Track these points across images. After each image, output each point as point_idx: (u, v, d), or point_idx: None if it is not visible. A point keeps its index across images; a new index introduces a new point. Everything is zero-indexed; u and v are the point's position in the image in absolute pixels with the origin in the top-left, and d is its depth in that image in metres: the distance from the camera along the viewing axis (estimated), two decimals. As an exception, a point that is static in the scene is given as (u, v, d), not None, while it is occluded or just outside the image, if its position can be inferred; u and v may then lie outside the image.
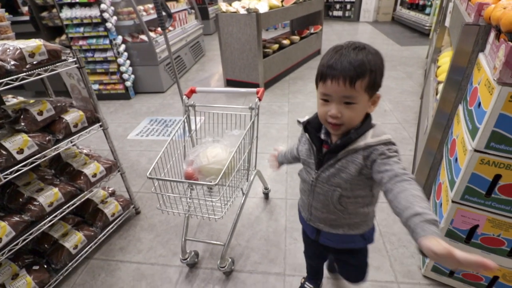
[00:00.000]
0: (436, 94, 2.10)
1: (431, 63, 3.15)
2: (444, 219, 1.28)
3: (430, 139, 1.64)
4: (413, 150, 2.50)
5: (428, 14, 6.62)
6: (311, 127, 0.96)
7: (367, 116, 0.88)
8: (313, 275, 1.47)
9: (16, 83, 1.22)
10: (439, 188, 1.48)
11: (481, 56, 1.25)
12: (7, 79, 1.19)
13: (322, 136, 0.94)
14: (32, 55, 1.27)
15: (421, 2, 7.29)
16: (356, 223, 0.99)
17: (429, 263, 1.44)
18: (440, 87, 2.05)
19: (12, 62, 1.20)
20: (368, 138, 0.84)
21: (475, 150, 1.08)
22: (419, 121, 2.90)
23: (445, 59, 2.60)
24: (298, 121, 1.02)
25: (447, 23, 2.25)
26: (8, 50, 1.24)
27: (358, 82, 0.77)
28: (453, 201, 1.22)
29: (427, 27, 6.47)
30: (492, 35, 1.15)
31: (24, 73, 1.25)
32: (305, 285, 1.47)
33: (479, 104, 1.10)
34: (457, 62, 1.38)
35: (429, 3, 6.78)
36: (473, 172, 1.12)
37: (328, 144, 0.93)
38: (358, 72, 0.77)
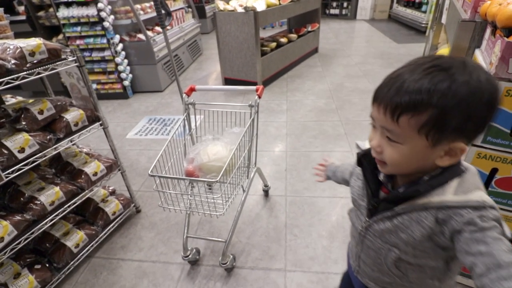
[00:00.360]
0: (433, 90, 2.12)
1: (428, 60, 3.17)
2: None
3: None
4: (411, 147, 2.52)
5: (425, 12, 6.66)
6: (368, 161, 0.69)
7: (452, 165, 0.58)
8: None
9: (17, 82, 1.23)
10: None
11: (477, 52, 1.26)
12: (7, 78, 1.19)
13: (381, 177, 0.69)
14: (32, 54, 1.27)
15: (417, 0, 7.32)
16: None
17: None
18: (437, 83, 2.07)
19: (13, 61, 1.20)
20: (448, 194, 0.56)
21: (472, 145, 1.10)
22: (416, 118, 2.92)
23: (442, 56, 2.62)
24: (357, 145, 0.73)
25: (443, 20, 2.27)
26: (8, 49, 1.24)
27: (403, 117, 0.52)
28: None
29: (423, 25, 6.50)
30: (488, 31, 1.17)
31: (25, 72, 1.25)
32: None
33: (476, 99, 1.12)
34: (454, 58, 1.39)
35: (425, 0, 6.81)
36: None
37: (388, 188, 0.68)
38: (404, 103, 0.52)
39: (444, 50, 2.78)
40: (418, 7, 7.23)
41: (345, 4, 9.35)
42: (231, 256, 1.60)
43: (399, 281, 0.69)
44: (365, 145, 0.70)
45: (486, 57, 1.13)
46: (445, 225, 0.56)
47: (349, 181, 0.86)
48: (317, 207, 1.98)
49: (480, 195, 0.55)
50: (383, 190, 0.69)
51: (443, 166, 0.57)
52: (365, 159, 0.70)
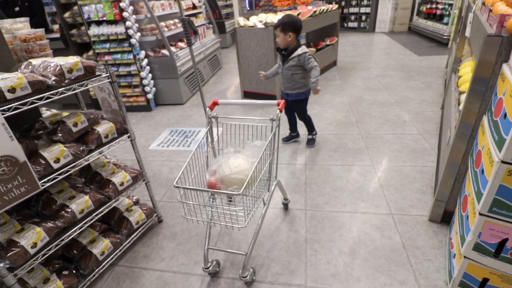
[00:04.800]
0: (458, 104, 2.07)
1: (452, 73, 3.11)
2: (471, 232, 1.25)
3: (454, 150, 1.62)
4: (435, 162, 2.46)
5: (446, 24, 6.56)
6: (277, 49, 2.62)
7: None
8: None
9: (56, 97, 1.32)
10: (465, 200, 1.45)
11: (505, 67, 1.24)
12: (48, 93, 1.29)
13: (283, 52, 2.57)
14: (70, 71, 1.37)
15: (438, 12, 7.23)
16: None
17: (456, 277, 1.40)
18: (462, 97, 2.02)
19: (53, 78, 1.30)
20: (298, 51, 2.47)
21: (503, 162, 1.07)
22: (440, 132, 2.84)
23: (466, 69, 2.57)
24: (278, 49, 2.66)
25: (467, 33, 2.24)
26: (49, 67, 1.34)
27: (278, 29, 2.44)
28: (480, 214, 1.19)
29: (445, 37, 6.39)
30: (517, 46, 1.15)
31: (63, 88, 1.34)
32: None
33: (505, 115, 1.09)
34: (480, 72, 1.37)
35: (447, 12, 6.71)
36: (501, 183, 1.10)
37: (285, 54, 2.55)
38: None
39: (468, 63, 2.73)
40: (439, 19, 7.13)
41: (363, 17, 9.37)
42: (251, 270, 1.60)
43: (293, 83, 2.58)
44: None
45: (515, 72, 1.11)
46: (301, 60, 2.46)
47: (278, 68, 2.68)
48: (338, 222, 1.95)
49: (303, 51, 2.45)
50: (283, 56, 2.54)
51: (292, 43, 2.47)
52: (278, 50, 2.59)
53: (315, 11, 4.46)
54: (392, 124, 3.20)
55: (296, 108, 2.76)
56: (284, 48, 2.50)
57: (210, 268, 1.61)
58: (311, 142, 2.91)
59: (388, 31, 8.98)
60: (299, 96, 2.64)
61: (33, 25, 1.99)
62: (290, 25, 2.37)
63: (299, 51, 2.43)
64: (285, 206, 2.11)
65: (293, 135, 2.93)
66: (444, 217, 1.85)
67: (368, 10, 9.13)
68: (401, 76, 4.74)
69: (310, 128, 2.89)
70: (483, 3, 1.96)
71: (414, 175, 2.33)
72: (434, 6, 7.44)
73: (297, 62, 2.46)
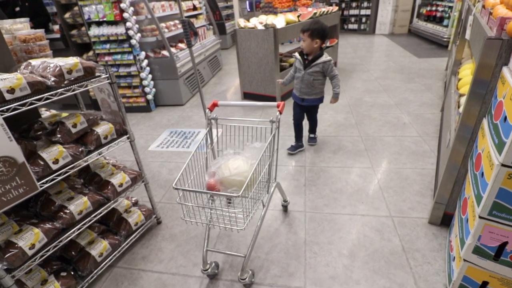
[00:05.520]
0: (458, 107, 2.07)
1: (451, 76, 3.11)
2: (471, 235, 1.25)
3: (453, 153, 1.62)
4: (435, 164, 2.45)
5: (446, 26, 6.57)
6: (300, 53, 2.60)
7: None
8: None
9: (55, 98, 1.32)
10: (465, 203, 1.45)
11: (505, 70, 1.24)
12: (47, 94, 1.28)
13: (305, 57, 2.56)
14: (70, 72, 1.37)
15: (438, 14, 7.25)
16: None
17: (455, 281, 1.39)
18: (462, 100, 2.02)
19: (52, 79, 1.30)
20: (322, 58, 2.47)
21: (503, 165, 1.06)
22: (440, 134, 2.84)
23: (466, 72, 2.57)
24: (295, 56, 2.68)
25: (467, 36, 2.24)
26: (48, 68, 1.34)
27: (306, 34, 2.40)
28: (480, 217, 1.19)
29: (445, 39, 6.41)
30: (517, 49, 1.15)
31: (62, 89, 1.34)
32: None
33: (505, 118, 1.09)
34: (480, 75, 1.37)
35: (447, 15, 6.73)
36: (501, 187, 1.10)
37: (308, 60, 2.53)
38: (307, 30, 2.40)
39: (468, 65, 2.73)
40: (439, 21, 7.15)
41: (363, 19, 9.39)
42: (250, 272, 1.59)
43: (312, 88, 2.57)
44: (297, 54, 2.59)
45: (515, 75, 1.11)
46: (325, 67, 2.48)
47: (294, 74, 2.67)
48: (337, 224, 1.95)
49: (329, 58, 2.46)
50: (307, 61, 2.52)
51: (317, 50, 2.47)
52: (300, 54, 2.56)
53: (315, 13, 4.47)
54: (392, 126, 3.20)
55: (310, 111, 2.81)
56: (307, 53, 2.49)
57: (209, 270, 1.60)
58: (314, 140, 2.97)
59: (388, 33, 9.00)
60: (316, 101, 2.67)
61: (36, 25, 2.00)
62: (319, 32, 2.35)
63: (324, 58, 2.44)
64: (285, 208, 2.11)
65: (299, 144, 2.87)
66: (443, 219, 1.84)
67: (368, 12, 9.15)
68: (401, 78, 4.75)
69: (315, 128, 2.97)
70: (483, 6, 1.96)
71: (414, 178, 2.33)
72: (434, 8, 7.46)
73: (321, 68, 2.46)
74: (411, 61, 5.72)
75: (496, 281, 1.27)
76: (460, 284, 1.38)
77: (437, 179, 2.16)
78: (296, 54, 2.61)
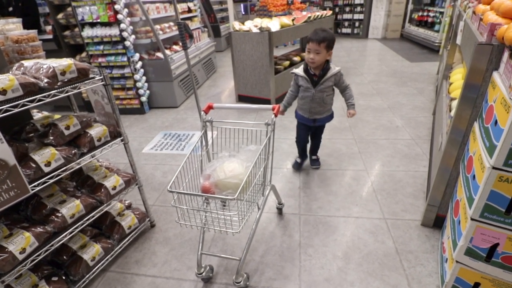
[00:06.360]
0: (450, 110, 2.11)
1: (443, 80, 3.17)
2: (463, 237, 1.26)
3: (445, 156, 1.64)
4: (427, 167, 2.49)
5: (438, 31, 6.70)
6: (305, 70, 2.21)
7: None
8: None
9: (48, 100, 1.30)
10: (457, 205, 1.47)
11: (495, 75, 1.27)
12: (40, 95, 1.27)
13: (312, 72, 2.17)
14: (63, 73, 1.35)
15: (429, 20, 7.38)
16: None
17: (448, 282, 1.41)
18: (453, 103, 2.06)
19: (45, 80, 1.28)
20: (333, 70, 2.14)
21: (493, 168, 1.08)
22: (432, 138, 2.89)
23: (457, 76, 2.62)
24: (295, 72, 2.29)
25: (458, 41, 2.28)
26: (41, 69, 1.32)
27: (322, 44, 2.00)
28: (472, 219, 1.21)
29: (436, 44, 6.53)
30: (506, 54, 1.17)
31: (55, 90, 1.32)
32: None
33: (496, 122, 1.11)
34: (471, 80, 1.40)
35: (438, 20, 6.86)
36: (492, 189, 1.12)
37: (317, 75, 2.16)
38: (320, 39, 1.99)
39: (459, 70, 2.78)
40: (430, 26, 7.28)
41: (357, 24, 9.50)
42: (245, 275, 1.59)
43: (324, 106, 2.24)
44: (298, 71, 2.21)
45: (505, 80, 1.14)
46: (337, 79, 2.17)
47: (296, 92, 2.31)
48: (332, 227, 1.96)
49: (338, 68, 2.16)
50: (315, 77, 2.14)
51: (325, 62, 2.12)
52: (305, 72, 2.16)
53: (309, 17, 4.51)
54: (385, 129, 3.24)
55: (320, 129, 2.49)
56: (315, 68, 2.13)
57: (204, 273, 1.59)
58: (317, 163, 2.65)
59: (381, 38, 9.13)
60: (328, 119, 2.35)
61: (25, 24, 1.96)
62: (333, 41, 2.05)
63: (333, 69, 2.14)
64: (279, 211, 2.11)
65: (304, 160, 2.65)
66: (436, 221, 1.87)
67: (361, 16, 9.27)
68: (393, 82, 4.81)
69: (318, 149, 2.67)
70: (474, 12, 2.01)
71: (407, 180, 2.36)
72: (425, 13, 7.59)
73: (334, 81, 2.16)
74: (404, 65, 5.81)
75: (488, 282, 1.29)
76: (453, 285, 1.40)
77: (429, 182, 2.19)
78: (298, 71, 2.19)
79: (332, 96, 2.25)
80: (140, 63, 3.92)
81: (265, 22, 3.89)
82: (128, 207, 2.04)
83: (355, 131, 3.23)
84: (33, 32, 1.78)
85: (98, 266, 1.69)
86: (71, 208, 1.51)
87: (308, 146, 2.65)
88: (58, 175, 1.40)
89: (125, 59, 3.79)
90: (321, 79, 2.12)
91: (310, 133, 2.51)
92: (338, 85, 2.20)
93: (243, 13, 9.88)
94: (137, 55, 3.86)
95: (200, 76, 5.26)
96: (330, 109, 2.32)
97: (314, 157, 2.67)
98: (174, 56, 4.21)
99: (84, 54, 4.00)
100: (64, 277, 1.57)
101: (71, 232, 1.50)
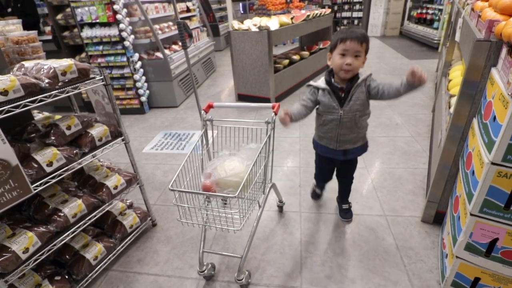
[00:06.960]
0: (449, 107, 2.12)
1: (442, 77, 3.18)
2: (463, 232, 1.27)
3: (445, 152, 1.65)
4: (427, 163, 2.50)
5: (436, 28, 6.69)
6: (328, 83, 1.61)
7: None
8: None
9: (49, 100, 1.31)
10: (456, 201, 1.48)
11: (493, 71, 1.28)
12: (41, 96, 1.27)
13: (335, 85, 1.59)
14: (64, 73, 1.36)
15: (428, 17, 7.38)
16: None
17: (448, 277, 1.42)
18: (453, 100, 2.07)
19: (46, 80, 1.28)
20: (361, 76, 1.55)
21: (492, 163, 1.09)
22: (431, 134, 2.89)
23: (456, 73, 2.63)
24: (310, 84, 1.68)
25: (457, 38, 2.29)
26: (42, 69, 1.32)
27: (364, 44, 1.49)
28: (471, 214, 1.22)
29: (435, 41, 6.52)
30: (504, 50, 1.18)
31: (56, 91, 1.33)
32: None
33: (494, 118, 1.12)
34: (470, 76, 1.41)
35: (437, 17, 6.85)
36: (491, 184, 1.13)
37: (343, 89, 1.57)
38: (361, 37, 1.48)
39: (458, 67, 2.79)
40: (429, 24, 7.28)
41: (356, 22, 9.50)
42: (247, 273, 1.60)
43: (357, 131, 1.61)
44: (320, 84, 1.61)
45: (503, 76, 1.14)
46: (368, 84, 1.53)
47: (309, 110, 1.64)
48: (332, 224, 1.97)
49: (367, 73, 1.53)
50: (342, 92, 1.55)
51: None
52: (328, 84, 1.57)
53: (308, 15, 4.51)
54: (385, 126, 3.24)
55: (352, 168, 1.87)
56: (342, 81, 1.55)
57: (205, 271, 1.60)
58: (350, 215, 1.98)
59: (380, 35, 9.12)
60: (364, 150, 1.73)
61: (25, 25, 1.97)
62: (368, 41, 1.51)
63: (361, 73, 1.56)
64: (280, 209, 2.12)
65: (323, 190, 2.17)
66: (436, 218, 1.88)
67: (360, 14, 9.27)
68: (393, 79, 4.81)
69: (349, 193, 2.00)
70: (472, 9, 2.01)
71: (407, 177, 2.37)
72: (424, 11, 7.59)
73: (365, 88, 1.54)
74: (403, 62, 5.81)
75: (488, 277, 1.30)
76: (453, 280, 1.41)
77: (429, 178, 2.20)
78: (319, 83, 1.59)
79: (367, 118, 1.63)
80: (139, 63, 3.92)
81: (264, 21, 3.89)
82: (130, 206, 2.05)
83: (355, 129, 3.24)
84: (33, 33, 1.78)
85: (100, 265, 1.70)
86: (73, 207, 1.52)
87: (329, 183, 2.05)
88: (60, 175, 1.41)
89: (124, 59, 3.79)
90: (349, 92, 1.52)
91: (335, 169, 1.91)
92: (370, 89, 1.53)
93: (242, 12, 9.87)
94: (136, 55, 3.86)
95: (199, 75, 5.27)
96: (365, 136, 1.70)
97: (345, 206, 1.99)
98: (174, 56, 4.22)
99: (83, 55, 4.00)
100: (67, 276, 1.58)
101: (73, 232, 1.51)
